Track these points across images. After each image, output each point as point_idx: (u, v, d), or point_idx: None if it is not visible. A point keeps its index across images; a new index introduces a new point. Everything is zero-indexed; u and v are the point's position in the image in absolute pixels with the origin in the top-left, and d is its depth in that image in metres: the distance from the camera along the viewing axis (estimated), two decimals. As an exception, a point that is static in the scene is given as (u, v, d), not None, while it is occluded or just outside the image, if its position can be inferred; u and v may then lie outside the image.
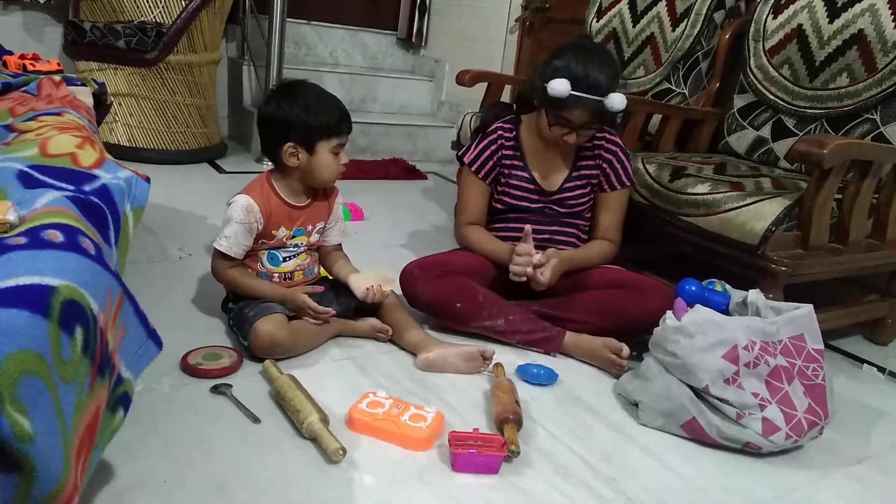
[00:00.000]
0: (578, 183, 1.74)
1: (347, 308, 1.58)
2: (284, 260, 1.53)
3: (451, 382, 1.44)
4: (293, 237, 1.52)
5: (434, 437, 1.22)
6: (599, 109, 1.56)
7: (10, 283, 0.58)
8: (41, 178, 0.85)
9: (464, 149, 1.79)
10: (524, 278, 1.57)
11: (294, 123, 1.43)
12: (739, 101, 2.18)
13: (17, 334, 0.54)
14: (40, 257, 0.63)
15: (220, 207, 2.27)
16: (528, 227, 1.60)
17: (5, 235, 0.69)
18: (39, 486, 0.53)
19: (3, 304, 0.55)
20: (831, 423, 1.35)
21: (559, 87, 1.54)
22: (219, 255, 1.47)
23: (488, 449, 1.17)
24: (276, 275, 1.53)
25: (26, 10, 3.04)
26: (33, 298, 0.57)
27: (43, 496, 0.54)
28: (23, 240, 0.66)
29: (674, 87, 2.32)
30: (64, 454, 0.56)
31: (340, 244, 1.66)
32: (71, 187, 0.85)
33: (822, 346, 1.37)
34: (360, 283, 1.53)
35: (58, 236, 0.67)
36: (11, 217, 0.71)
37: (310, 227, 1.55)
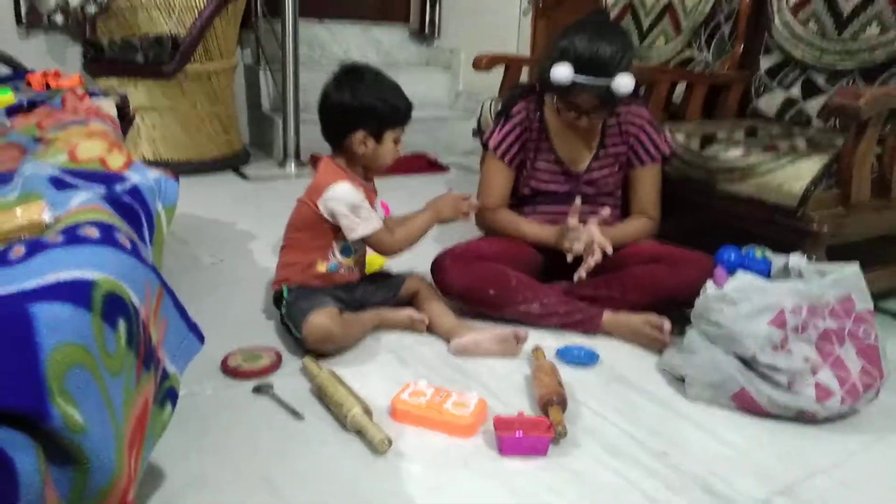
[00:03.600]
0: (606, 161, 1.70)
1: (386, 298, 1.58)
2: (354, 251, 1.54)
3: (491, 369, 1.42)
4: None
5: (478, 423, 1.20)
6: (606, 93, 1.51)
7: (52, 278, 0.58)
8: (73, 181, 0.85)
9: (487, 132, 1.76)
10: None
11: (367, 112, 1.44)
12: (766, 62, 2.12)
13: (62, 328, 0.54)
14: (78, 253, 0.63)
15: (248, 213, 2.28)
16: (577, 200, 1.58)
17: (42, 235, 0.69)
18: (94, 479, 0.53)
19: (46, 298, 0.55)
20: (886, 385, 1.30)
21: (561, 73, 1.49)
22: (377, 236, 1.48)
23: (535, 431, 1.15)
24: (344, 267, 1.53)
25: (47, 33, 3.09)
26: (75, 292, 0.57)
27: (99, 489, 0.53)
28: (60, 237, 0.66)
29: (696, 54, 2.26)
30: (116, 446, 0.56)
31: None
32: (103, 188, 0.85)
33: (871, 306, 1.33)
34: None
35: (94, 232, 0.67)
36: (46, 217, 0.72)
37: (376, 207, 1.57)
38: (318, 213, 1.47)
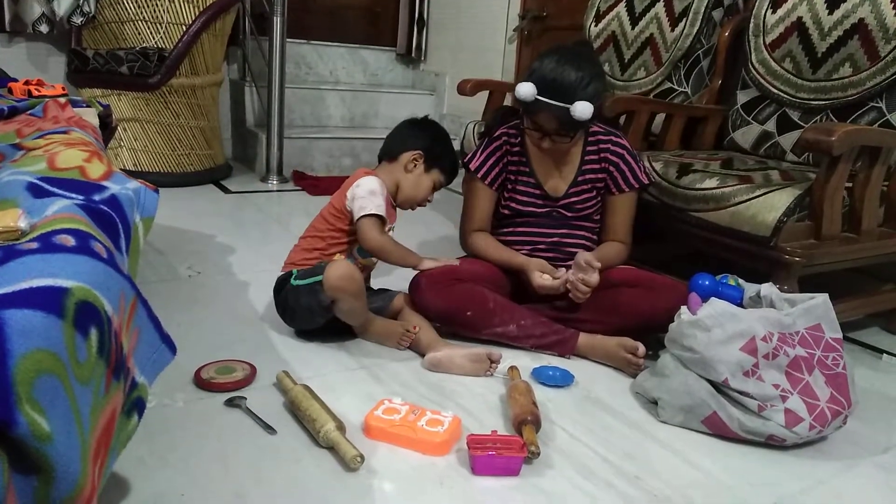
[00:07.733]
0: (584, 187, 1.73)
1: (380, 307, 1.65)
2: (369, 255, 1.62)
3: (466, 387, 1.42)
4: (390, 230, 1.65)
5: (452, 441, 1.20)
6: (564, 117, 1.53)
7: (24, 285, 0.58)
8: (51, 188, 0.85)
9: (469, 155, 1.78)
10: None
11: (433, 144, 1.66)
12: (742, 97, 2.18)
13: (33, 334, 0.53)
14: (53, 260, 0.63)
15: (228, 226, 2.28)
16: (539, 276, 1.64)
17: (17, 242, 0.69)
18: (58, 488, 0.53)
19: (18, 305, 0.55)
20: (854, 413, 1.32)
21: (524, 90, 1.53)
22: (374, 221, 1.55)
23: (508, 451, 1.15)
24: (359, 264, 1.59)
25: (30, 42, 3.08)
26: (47, 299, 0.57)
27: (62, 498, 0.53)
28: (35, 245, 0.66)
29: (676, 87, 2.32)
30: (82, 455, 0.55)
31: None
32: (81, 197, 0.85)
33: (840, 335, 1.36)
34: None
35: (70, 240, 0.67)
36: (22, 224, 0.71)
37: (393, 226, 1.68)
38: (345, 204, 1.58)
